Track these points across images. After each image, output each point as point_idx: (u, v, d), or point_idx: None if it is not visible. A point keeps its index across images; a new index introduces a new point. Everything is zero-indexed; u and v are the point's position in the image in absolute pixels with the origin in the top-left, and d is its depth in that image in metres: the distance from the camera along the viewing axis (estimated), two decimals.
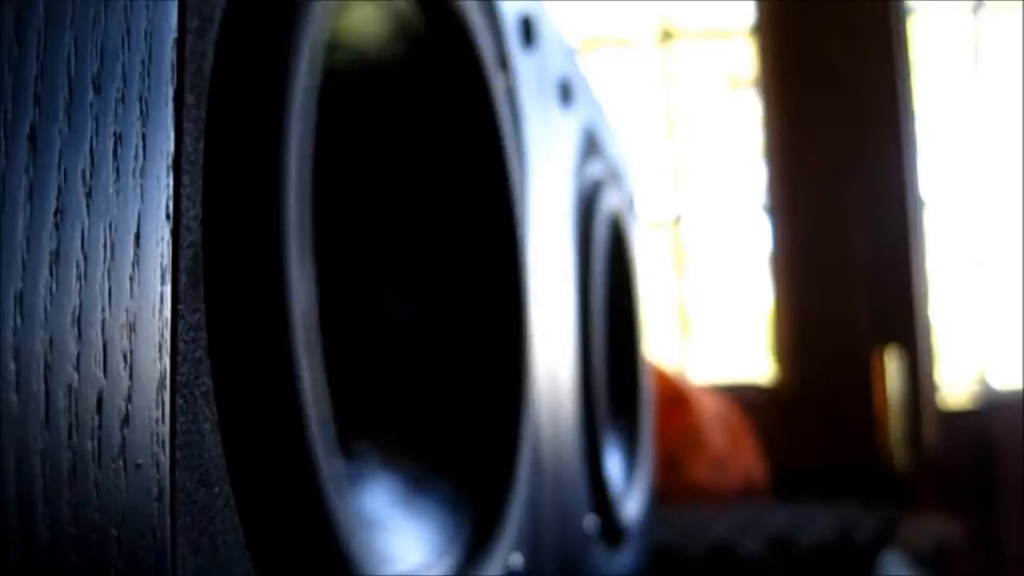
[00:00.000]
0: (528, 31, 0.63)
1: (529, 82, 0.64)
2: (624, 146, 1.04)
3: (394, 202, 0.52)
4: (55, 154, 0.22)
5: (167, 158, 0.26)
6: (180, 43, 0.26)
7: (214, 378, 0.27)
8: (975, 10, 2.20)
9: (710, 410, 1.84)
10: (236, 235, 0.29)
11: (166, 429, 0.25)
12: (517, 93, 0.59)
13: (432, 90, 0.50)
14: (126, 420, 0.24)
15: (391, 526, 0.43)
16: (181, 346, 0.26)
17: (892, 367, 1.95)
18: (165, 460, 0.25)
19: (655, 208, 2.35)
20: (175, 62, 0.26)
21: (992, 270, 2.13)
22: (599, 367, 0.80)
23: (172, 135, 0.26)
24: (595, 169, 0.85)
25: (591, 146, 0.84)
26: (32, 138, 0.21)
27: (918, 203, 2.11)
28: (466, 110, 0.51)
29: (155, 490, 0.24)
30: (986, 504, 1.81)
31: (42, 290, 0.21)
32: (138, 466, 0.24)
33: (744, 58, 2.37)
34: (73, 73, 0.22)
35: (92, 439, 0.22)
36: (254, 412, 0.29)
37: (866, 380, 1.99)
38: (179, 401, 0.26)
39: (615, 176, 0.95)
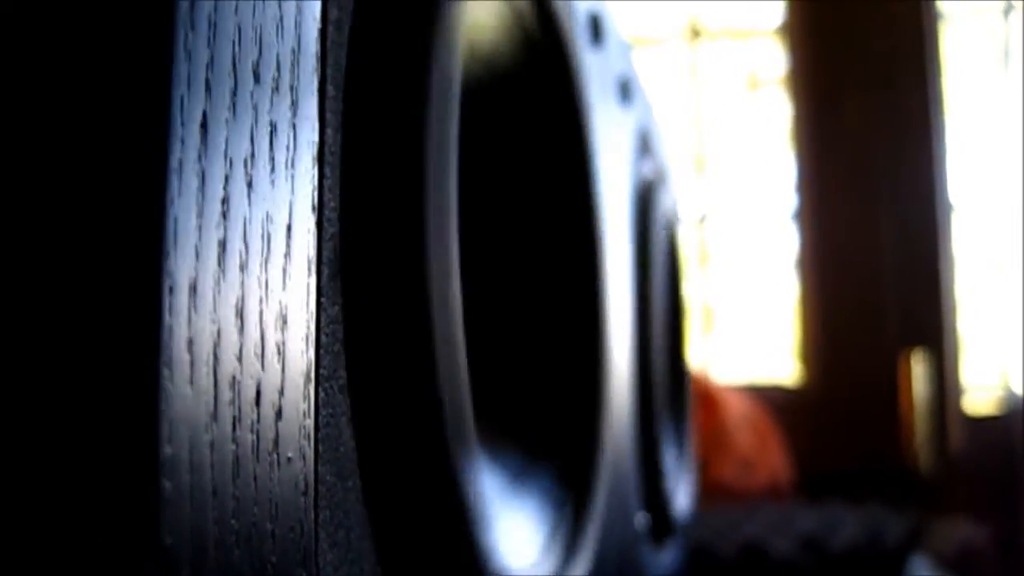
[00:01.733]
0: (596, 29, 0.63)
1: (594, 80, 0.63)
2: (667, 148, 1.04)
3: (483, 198, 0.51)
4: (222, 142, 0.21)
5: (313, 149, 0.25)
6: (323, 33, 0.26)
7: (349, 371, 0.27)
8: (1006, 13, 2.18)
9: (737, 410, 1.83)
10: (375, 227, 0.28)
11: (311, 423, 0.25)
12: (587, 91, 0.59)
13: (528, 91, 0.50)
14: (279, 413, 0.23)
15: (500, 519, 0.43)
16: (323, 339, 0.26)
17: (918, 370, 1.94)
18: (311, 454, 0.25)
19: (681, 206, 2.34)
20: (319, 52, 0.26)
21: (1019, 275, 2.12)
22: (658, 363, 0.80)
23: (317, 126, 0.26)
24: (648, 168, 0.85)
25: (644, 146, 0.84)
26: (204, 125, 0.21)
27: (947, 206, 2.10)
28: (555, 113, 0.51)
29: (302, 484, 0.24)
30: (1010, 509, 1.81)
31: (211, 280, 0.21)
32: (289, 460, 0.24)
33: (769, 58, 2.36)
34: (237, 61, 0.22)
35: (252, 432, 0.22)
36: (388, 404, 0.28)
37: (892, 382, 1.98)
38: (321, 394, 0.25)
39: (664, 177, 0.95)
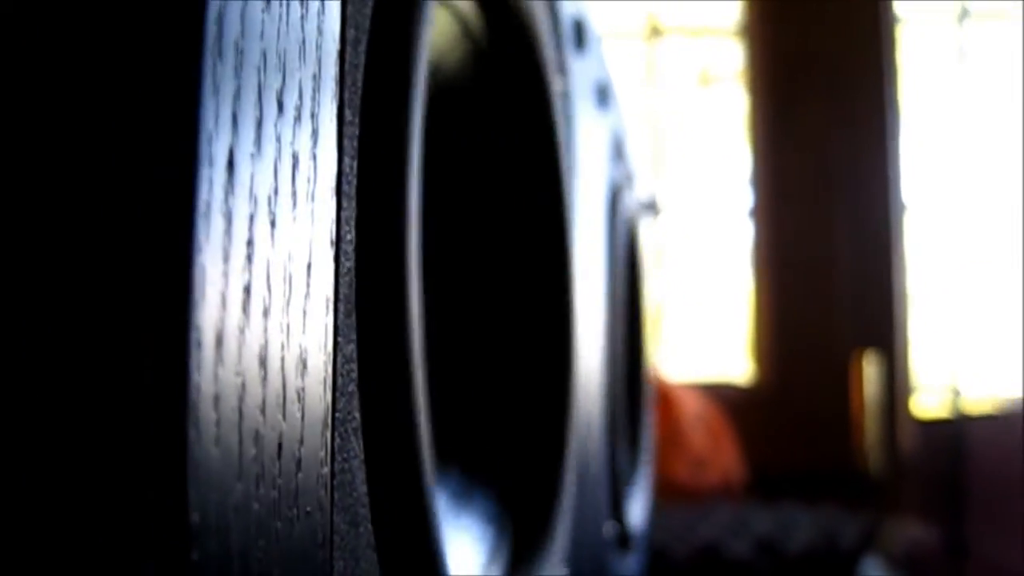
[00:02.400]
0: (580, 34, 0.61)
1: (576, 84, 0.62)
2: (636, 151, 1.03)
3: (445, 203, 0.50)
4: (248, 180, 0.20)
5: (332, 179, 0.24)
6: (342, 55, 0.25)
7: (362, 412, 0.26)
8: (960, 19, 2.21)
9: (691, 409, 1.84)
10: (375, 259, 0.27)
11: (328, 471, 0.23)
12: (571, 97, 0.58)
13: (493, 94, 0.49)
14: (299, 465, 0.22)
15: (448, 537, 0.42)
16: (339, 380, 0.24)
17: (870, 371, 1.96)
18: (327, 504, 0.23)
19: (646, 209, 2.34)
20: (338, 76, 0.24)
21: (971, 277, 2.15)
22: (619, 368, 0.79)
23: (336, 155, 0.24)
24: (618, 173, 0.84)
25: (618, 150, 0.83)
26: (231, 163, 0.19)
27: (900, 207, 2.12)
28: (525, 115, 0.50)
29: (320, 536, 0.23)
30: (958, 510, 1.83)
31: (235, 330, 0.19)
32: (307, 513, 0.22)
33: (725, 55, 2.37)
34: (263, 91, 0.21)
35: (274, 488, 0.21)
36: (385, 446, 0.27)
37: (844, 383, 2.00)
38: (336, 440, 0.24)
39: (631, 181, 0.94)
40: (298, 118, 0.22)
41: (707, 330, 2.30)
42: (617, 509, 0.80)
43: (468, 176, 0.50)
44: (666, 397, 1.80)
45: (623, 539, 0.83)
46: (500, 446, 0.49)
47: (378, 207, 0.27)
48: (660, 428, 1.80)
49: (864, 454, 1.94)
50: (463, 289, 0.51)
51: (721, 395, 1.99)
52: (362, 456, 0.26)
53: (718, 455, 1.82)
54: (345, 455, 0.25)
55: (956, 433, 1.83)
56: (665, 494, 1.74)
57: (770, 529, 1.38)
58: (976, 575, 1.72)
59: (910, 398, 2.04)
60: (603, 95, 0.73)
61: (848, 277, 2.06)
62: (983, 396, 1.99)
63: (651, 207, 1.02)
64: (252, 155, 0.20)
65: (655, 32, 2.37)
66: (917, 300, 2.13)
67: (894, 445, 1.95)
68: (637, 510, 0.93)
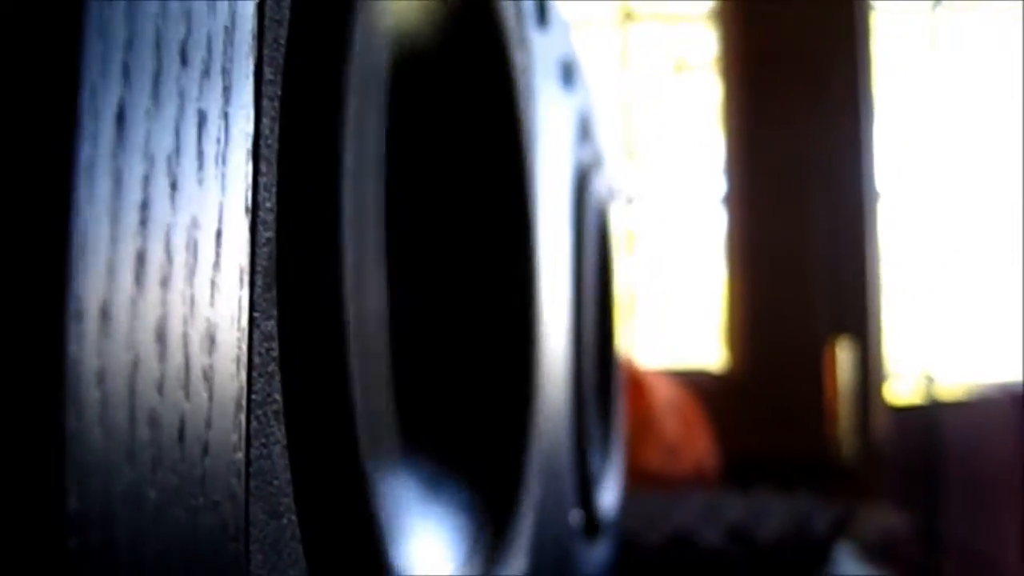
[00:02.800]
0: (543, 10, 0.60)
1: (538, 61, 0.61)
2: (607, 133, 1.02)
3: (403, 189, 0.49)
4: (141, 137, 0.18)
5: (247, 141, 0.22)
6: (260, 7, 0.23)
7: (284, 394, 0.24)
8: (933, 8, 2.20)
9: (663, 395, 1.83)
10: (299, 228, 0.25)
11: (241, 457, 0.22)
12: (532, 73, 0.56)
13: (454, 72, 0.47)
14: (205, 449, 0.20)
15: (415, 532, 0.40)
16: (256, 359, 0.23)
17: (843, 358, 1.95)
18: (241, 493, 0.21)
19: (616, 192, 2.33)
20: (256, 29, 0.23)
21: (945, 264, 2.15)
22: (589, 355, 0.78)
23: (252, 114, 0.22)
24: (585, 154, 0.82)
25: (584, 130, 0.82)
26: (120, 117, 0.18)
27: (874, 194, 2.12)
28: (487, 93, 0.48)
29: (232, 528, 0.21)
30: (931, 497, 1.83)
31: (126, 301, 0.18)
32: (216, 503, 0.20)
33: (698, 42, 2.36)
34: (160, 40, 0.19)
35: (175, 474, 0.19)
36: (315, 430, 0.26)
37: (817, 370, 2.00)
38: (253, 423, 0.22)
39: (600, 163, 0.93)
40: (206, 73, 0.21)
41: (680, 317, 2.30)
42: (585, 497, 0.79)
43: (429, 150, 0.49)
44: (638, 384, 1.79)
45: (591, 527, 0.82)
46: (466, 435, 0.48)
47: (303, 172, 0.25)
48: (632, 415, 1.79)
49: (838, 441, 1.93)
50: (423, 274, 0.50)
51: (694, 382, 1.98)
52: (284, 442, 0.24)
53: (691, 442, 1.81)
54: (264, 440, 0.23)
55: (930, 420, 1.83)
56: (637, 481, 1.73)
57: (742, 517, 1.37)
58: (950, 563, 1.73)
59: (884, 385, 2.04)
60: (568, 73, 0.71)
61: (822, 264, 2.06)
62: (957, 383, 1.99)
63: (620, 192, 1.01)
64: (147, 111, 0.18)
65: (629, 18, 2.35)
66: (891, 287, 2.13)
67: (868, 432, 1.94)
68: (608, 498, 0.92)
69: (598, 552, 0.88)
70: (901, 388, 2.07)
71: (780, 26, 2.15)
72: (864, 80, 2.13)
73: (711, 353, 2.22)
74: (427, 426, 0.47)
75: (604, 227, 0.95)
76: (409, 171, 0.48)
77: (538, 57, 0.60)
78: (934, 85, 2.18)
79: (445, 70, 0.47)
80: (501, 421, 0.49)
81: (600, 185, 0.88)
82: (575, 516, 0.74)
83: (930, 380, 1.89)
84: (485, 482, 0.46)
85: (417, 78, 0.46)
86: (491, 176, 0.50)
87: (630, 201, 2.40)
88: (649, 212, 2.37)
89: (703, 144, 2.33)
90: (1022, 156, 1.92)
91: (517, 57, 0.50)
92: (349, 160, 0.27)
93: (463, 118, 0.48)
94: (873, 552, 1.60)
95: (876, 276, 2.07)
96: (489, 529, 0.45)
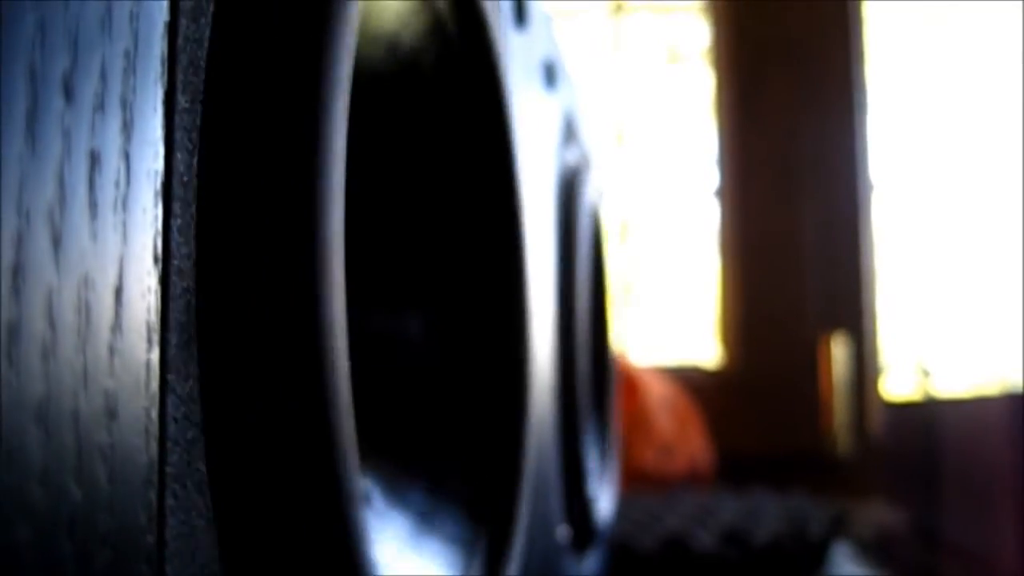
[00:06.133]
0: (520, 9, 0.57)
1: (518, 62, 0.58)
2: (598, 131, 0.99)
3: (383, 202, 0.46)
4: (14, 189, 0.16)
5: (156, 181, 0.19)
6: (172, 28, 0.20)
7: (209, 463, 0.21)
8: None
9: (657, 394, 1.80)
10: (234, 273, 0.22)
11: (153, 540, 0.19)
12: (508, 75, 0.54)
13: (439, 85, 0.44)
14: (104, 539, 0.18)
15: (404, 570, 0.38)
16: (170, 429, 0.20)
17: (839, 353, 1.93)
18: None
19: (606, 192, 2.30)
20: (167, 53, 0.20)
21: (941, 258, 2.12)
22: (582, 364, 0.75)
23: (162, 150, 0.20)
24: (573, 155, 0.80)
25: (570, 131, 0.79)
26: None
27: (868, 185, 2.09)
28: (472, 101, 0.46)
29: None
30: (928, 494, 1.81)
31: None
32: None
33: (693, 32, 2.33)
34: (38, 71, 0.16)
35: (67, 571, 0.16)
36: (262, 502, 0.23)
37: (812, 366, 1.97)
38: (169, 500, 0.20)
39: (589, 163, 0.90)
40: (100, 108, 0.18)
41: (674, 312, 2.27)
42: (578, 509, 0.76)
43: (412, 161, 0.46)
44: (631, 382, 1.77)
45: (583, 539, 0.79)
46: (459, 463, 0.46)
47: (237, 209, 0.23)
48: (626, 414, 1.76)
49: (833, 438, 1.91)
50: (408, 287, 0.47)
51: (688, 379, 1.96)
52: (210, 514, 0.21)
53: (685, 440, 1.79)
54: (184, 516, 0.20)
55: (927, 416, 1.81)
56: (632, 481, 1.70)
57: (737, 518, 1.35)
58: (948, 560, 1.71)
59: (879, 381, 2.01)
60: (550, 74, 0.69)
61: (816, 258, 2.03)
62: (954, 378, 1.97)
63: (612, 184, 0.98)
64: (22, 156, 0.16)
65: (620, 8, 2.32)
66: (886, 281, 2.10)
67: (864, 428, 1.92)
68: (603, 507, 0.89)
69: (589, 564, 0.85)
70: (897, 384, 2.05)
71: (773, 16, 2.12)
72: (858, 70, 2.10)
73: (705, 349, 2.20)
74: (417, 457, 0.45)
75: (596, 227, 0.92)
76: (391, 178, 0.46)
77: (517, 58, 0.57)
78: (929, 74, 2.15)
79: (428, 73, 0.44)
80: (493, 440, 0.47)
81: (590, 185, 0.85)
82: (562, 532, 0.72)
83: (927, 376, 1.87)
84: (479, 513, 0.44)
85: (398, 81, 0.43)
86: (476, 182, 0.48)
87: (622, 192, 2.38)
88: (642, 203, 2.34)
89: (696, 135, 2.30)
90: (1022, 147, 1.90)
91: (501, 59, 0.47)
92: (302, 185, 0.24)
93: (447, 122, 0.46)
94: (870, 551, 1.58)
95: (871, 269, 2.04)
96: (483, 554, 0.43)
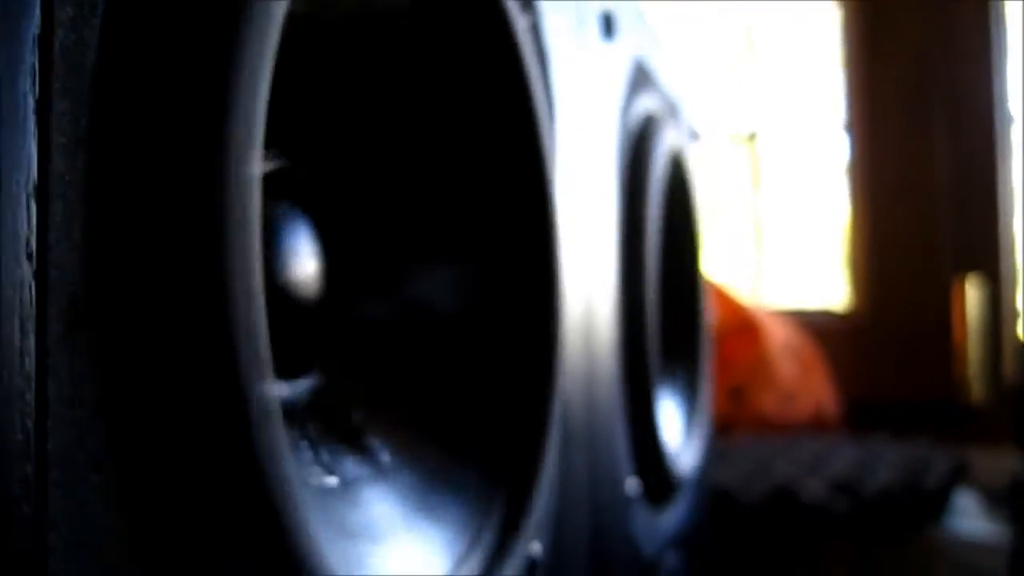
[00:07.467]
0: None
1: (563, 17, 0.58)
2: (683, 73, 0.97)
3: (403, 164, 0.47)
4: None
5: (28, 186, 0.21)
6: (45, 40, 0.21)
7: (108, 439, 0.23)
8: None
9: (780, 339, 1.77)
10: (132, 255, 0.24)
11: (30, 510, 0.21)
12: (542, 31, 0.53)
13: (449, 39, 0.45)
14: None
15: (410, 530, 0.39)
16: (53, 407, 0.21)
17: (972, 296, 1.86)
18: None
19: (733, 123, 2.26)
20: (37, 64, 0.21)
21: None
22: (651, 314, 0.75)
23: (35, 154, 0.21)
24: (647, 103, 0.79)
25: (642, 79, 0.78)
26: None
27: (1006, 120, 1.99)
28: (487, 60, 0.46)
29: None
30: None
31: None
32: None
33: None
34: None
35: None
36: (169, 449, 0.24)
37: (945, 309, 1.90)
38: (53, 474, 0.21)
39: (671, 108, 0.89)
40: None
41: (805, 254, 2.22)
42: (646, 462, 0.76)
43: (426, 126, 0.47)
44: (753, 327, 1.74)
45: (658, 492, 0.80)
46: (479, 422, 0.46)
47: (121, 203, 0.24)
48: (748, 359, 1.74)
49: (966, 384, 1.85)
50: (431, 256, 0.48)
51: (817, 323, 1.92)
52: (104, 486, 0.23)
53: (809, 387, 1.76)
54: (71, 488, 0.22)
55: None
56: (752, 427, 1.69)
57: (852, 467, 1.32)
58: None
59: (1016, 324, 1.93)
60: (609, 24, 0.68)
61: (950, 196, 1.95)
62: None
63: (692, 134, 0.96)
64: None
65: None
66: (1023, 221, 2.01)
67: (998, 374, 1.85)
68: (686, 458, 0.89)
69: (671, 516, 0.85)
70: None
71: None
72: None
73: (834, 293, 2.14)
74: (436, 417, 0.46)
75: (678, 175, 0.91)
76: (414, 131, 0.46)
77: (561, 12, 0.57)
78: None
79: (441, 39, 0.45)
80: (515, 397, 0.48)
81: (670, 130, 0.84)
82: (631, 485, 0.72)
83: None
84: (497, 472, 0.45)
85: (392, 47, 0.44)
86: (499, 150, 0.48)
87: (753, 136, 2.33)
88: (772, 146, 2.29)
89: (824, 72, 2.23)
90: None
91: (517, 21, 0.47)
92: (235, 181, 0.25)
93: (465, 73, 0.46)
94: (1000, 498, 1.53)
95: (1008, 207, 1.95)
96: (498, 523, 0.44)
